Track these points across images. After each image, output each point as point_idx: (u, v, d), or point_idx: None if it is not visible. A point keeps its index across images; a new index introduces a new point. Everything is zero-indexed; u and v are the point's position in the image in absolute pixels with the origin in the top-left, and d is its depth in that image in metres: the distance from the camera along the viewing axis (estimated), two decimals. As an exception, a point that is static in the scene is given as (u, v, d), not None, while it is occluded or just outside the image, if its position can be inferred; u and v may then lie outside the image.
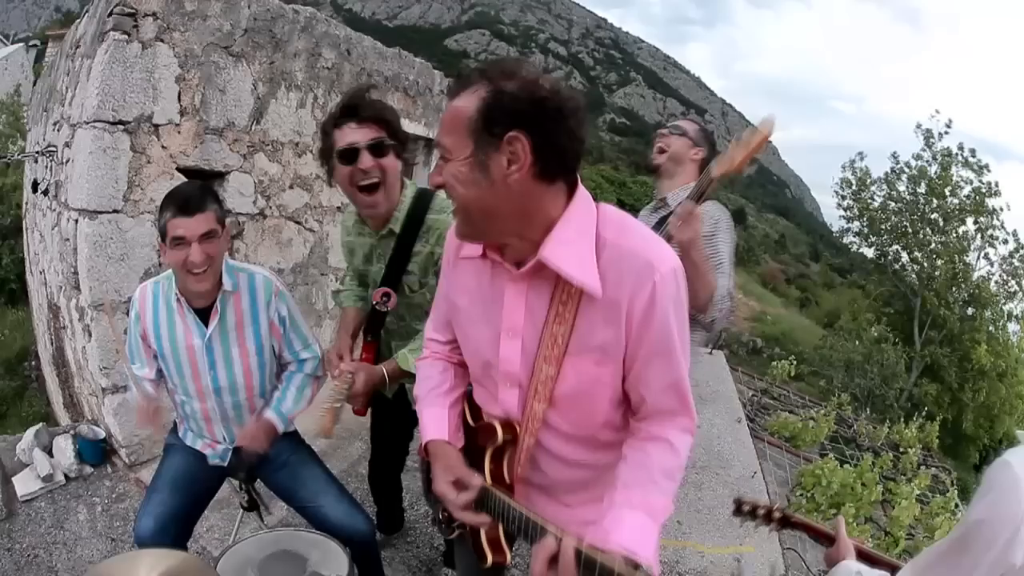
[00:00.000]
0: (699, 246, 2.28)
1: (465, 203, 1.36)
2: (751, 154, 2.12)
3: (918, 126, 25.00)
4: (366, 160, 2.21)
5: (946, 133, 24.54)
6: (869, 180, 26.58)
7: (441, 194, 2.28)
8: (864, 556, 1.72)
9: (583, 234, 1.39)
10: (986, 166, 24.27)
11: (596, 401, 1.52)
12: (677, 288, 1.40)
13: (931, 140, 24.71)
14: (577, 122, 1.34)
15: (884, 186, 26.34)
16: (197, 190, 2.27)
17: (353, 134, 2.22)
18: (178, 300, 2.33)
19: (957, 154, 24.47)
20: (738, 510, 2.10)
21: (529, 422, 1.56)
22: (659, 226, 2.59)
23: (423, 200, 2.38)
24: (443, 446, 1.66)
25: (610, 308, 1.38)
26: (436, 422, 1.70)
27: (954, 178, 24.37)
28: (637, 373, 1.46)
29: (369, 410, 2.84)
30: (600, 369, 1.46)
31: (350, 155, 2.22)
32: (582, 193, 1.43)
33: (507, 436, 1.59)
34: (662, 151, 2.93)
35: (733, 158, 2.15)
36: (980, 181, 24.20)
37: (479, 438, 1.66)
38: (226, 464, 2.52)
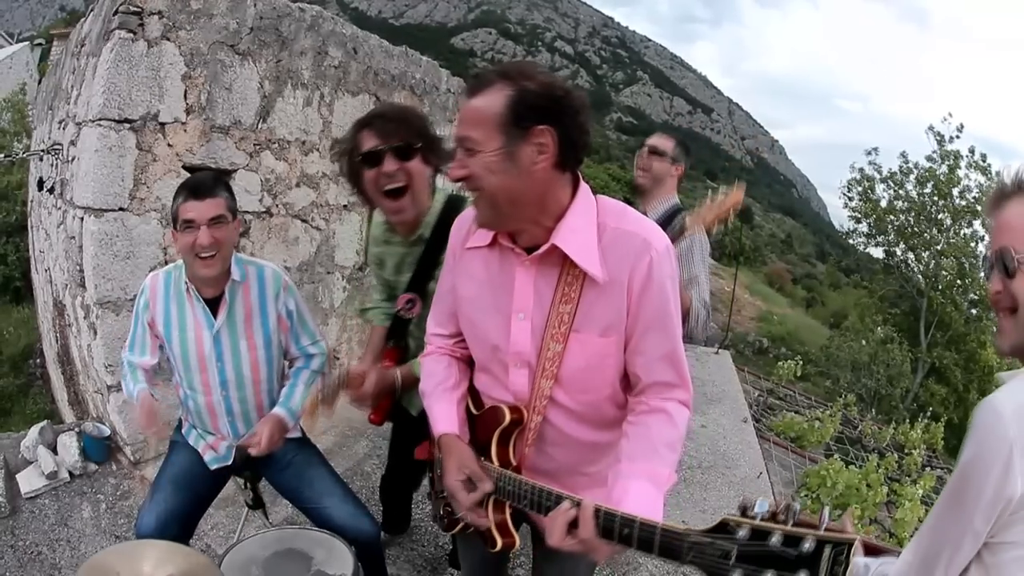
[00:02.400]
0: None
1: (494, 191, 1.47)
2: (719, 217, 2.44)
3: (930, 128, 25.03)
4: (390, 163, 2.16)
5: (957, 137, 24.60)
6: (880, 177, 26.52)
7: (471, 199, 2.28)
8: (871, 549, 1.71)
9: (588, 222, 1.54)
10: (999, 172, 24.22)
11: (600, 375, 1.62)
12: (671, 265, 1.56)
13: (943, 143, 24.71)
14: (586, 118, 1.51)
15: (891, 185, 26.29)
16: (210, 178, 2.33)
17: (376, 138, 2.18)
18: (187, 289, 2.34)
19: (967, 156, 24.45)
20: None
21: (537, 400, 1.64)
22: None
23: (454, 206, 2.31)
24: (455, 441, 1.70)
25: (612, 285, 1.52)
26: (446, 416, 1.75)
27: (962, 180, 24.33)
28: (636, 343, 1.57)
29: (392, 425, 2.83)
30: (604, 341, 1.56)
31: (373, 158, 2.17)
32: (583, 184, 1.59)
33: (514, 417, 1.64)
34: (645, 171, 3.16)
35: (704, 217, 2.47)
36: (992, 184, 24.16)
37: (485, 423, 1.70)
38: (230, 463, 2.52)
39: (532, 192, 1.49)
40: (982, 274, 24.63)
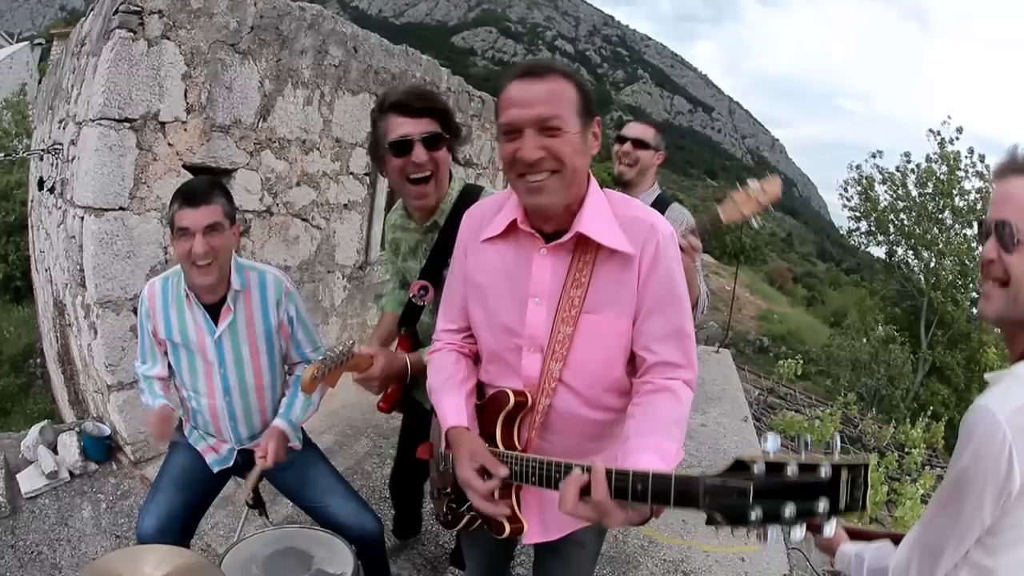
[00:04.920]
0: (692, 268, 2.58)
1: (574, 170, 1.55)
2: (756, 210, 2.41)
3: (930, 131, 25.21)
4: (420, 153, 2.12)
5: (957, 139, 24.75)
6: (882, 177, 26.59)
7: (488, 189, 2.28)
8: (858, 535, 1.71)
9: (604, 209, 1.62)
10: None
11: (608, 356, 1.65)
12: (676, 249, 1.64)
13: (944, 145, 24.85)
14: None
15: (892, 186, 26.37)
16: (206, 184, 2.27)
17: (406, 126, 2.13)
18: (187, 295, 2.33)
19: (967, 157, 24.57)
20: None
21: (546, 383, 1.66)
22: None
23: (470, 194, 2.29)
24: (466, 433, 1.69)
25: (623, 266, 1.59)
26: (455, 409, 1.74)
27: (961, 180, 24.44)
28: (643, 323, 1.62)
29: (403, 418, 2.82)
30: (615, 319, 1.62)
31: (403, 147, 2.13)
32: (591, 176, 1.66)
33: (519, 400, 1.65)
34: (631, 165, 3.11)
35: (742, 211, 2.43)
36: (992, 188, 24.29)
37: (489, 410, 1.71)
38: (230, 465, 2.52)
39: (584, 175, 1.61)
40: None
